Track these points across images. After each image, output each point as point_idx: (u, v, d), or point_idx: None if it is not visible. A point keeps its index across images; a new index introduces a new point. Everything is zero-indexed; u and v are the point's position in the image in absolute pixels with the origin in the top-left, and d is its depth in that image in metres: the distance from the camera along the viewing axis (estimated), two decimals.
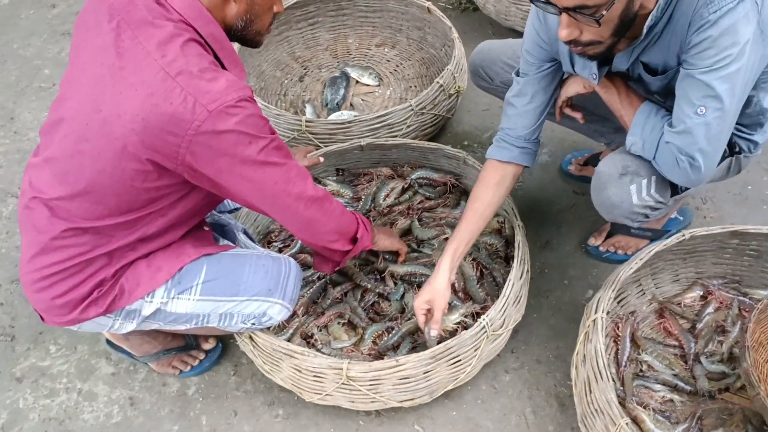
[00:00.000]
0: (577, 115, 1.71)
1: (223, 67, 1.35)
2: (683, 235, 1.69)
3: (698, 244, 1.77)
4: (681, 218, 2.02)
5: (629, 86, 1.54)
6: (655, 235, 1.99)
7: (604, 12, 1.24)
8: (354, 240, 1.60)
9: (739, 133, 1.60)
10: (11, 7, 3.01)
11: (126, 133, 1.24)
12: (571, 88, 1.64)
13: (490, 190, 1.67)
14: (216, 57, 1.34)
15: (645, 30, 1.35)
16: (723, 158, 1.62)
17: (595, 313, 1.56)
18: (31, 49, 2.81)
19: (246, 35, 1.40)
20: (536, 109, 1.65)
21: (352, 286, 1.85)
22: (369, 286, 1.82)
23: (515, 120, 1.66)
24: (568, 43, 1.34)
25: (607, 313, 1.57)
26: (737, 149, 1.63)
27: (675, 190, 1.57)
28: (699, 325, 1.75)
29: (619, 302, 1.78)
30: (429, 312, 1.61)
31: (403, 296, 1.81)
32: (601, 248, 2.00)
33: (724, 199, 2.13)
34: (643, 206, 1.54)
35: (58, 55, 2.77)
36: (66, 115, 1.35)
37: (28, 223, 1.42)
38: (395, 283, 1.83)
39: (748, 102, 1.50)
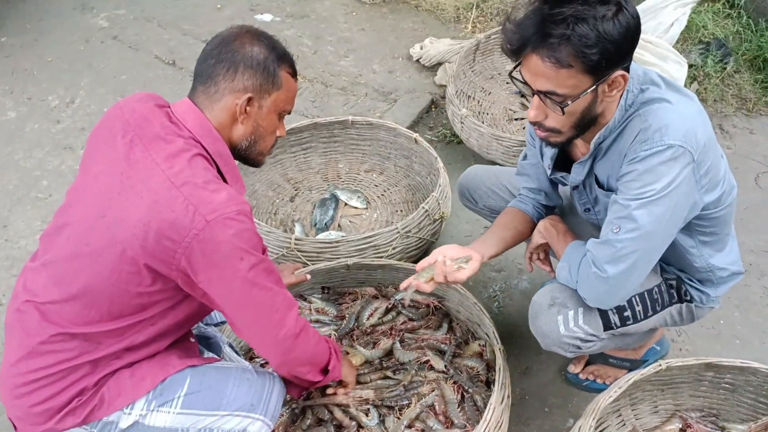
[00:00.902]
0: (546, 268, 1.84)
1: (225, 182, 1.44)
2: (660, 366, 1.73)
3: (675, 376, 1.81)
4: (658, 348, 2.07)
5: (567, 229, 1.73)
6: (633, 366, 2.03)
7: (569, 102, 1.38)
8: (325, 371, 1.60)
9: (691, 283, 1.71)
10: (18, 120, 3.15)
11: (128, 238, 1.30)
12: (534, 240, 1.80)
13: (507, 216, 1.85)
14: (219, 172, 1.43)
15: (592, 146, 1.50)
16: (671, 303, 1.72)
17: None
18: (32, 161, 2.91)
19: (249, 155, 1.51)
20: (536, 189, 1.84)
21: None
22: (344, 422, 1.79)
23: (524, 191, 1.88)
24: (534, 124, 1.48)
25: None
26: (688, 297, 1.72)
27: (608, 323, 1.64)
28: None
29: None
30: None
31: (383, 420, 1.79)
32: (580, 376, 2.03)
33: (698, 333, 2.19)
34: (572, 337, 1.62)
35: (59, 167, 2.86)
36: (70, 220, 1.41)
37: (17, 326, 1.43)
38: (367, 412, 1.81)
39: (692, 255, 1.63)
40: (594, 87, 1.37)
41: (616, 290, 1.52)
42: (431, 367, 1.89)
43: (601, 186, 1.59)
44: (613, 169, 1.51)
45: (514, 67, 1.44)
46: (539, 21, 1.32)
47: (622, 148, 1.46)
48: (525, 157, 1.85)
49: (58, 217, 1.47)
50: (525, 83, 1.41)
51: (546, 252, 1.83)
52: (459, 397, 1.82)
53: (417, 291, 2.07)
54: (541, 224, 1.78)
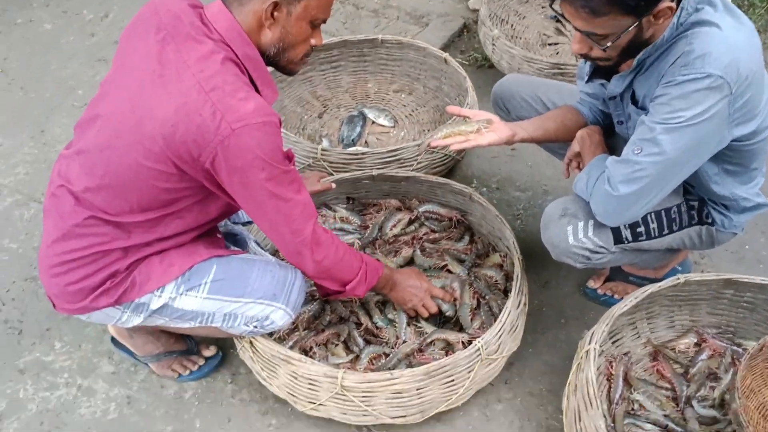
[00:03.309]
0: None
1: (256, 88, 1.44)
2: (678, 279, 1.73)
3: (693, 291, 1.82)
4: (680, 269, 2.07)
5: (601, 141, 1.72)
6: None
7: (609, 43, 1.36)
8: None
9: (714, 206, 1.69)
10: (53, 33, 3.19)
11: (155, 136, 1.33)
12: (572, 147, 1.78)
13: (560, 110, 1.83)
14: (250, 78, 1.43)
15: (636, 61, 1.47)
16: (690, 225, 1.70)
17: (589, 344, 1.60)
18: (68, 71, 2.97)
19: (279, 62, 1.48)
20: (593, 94, 1.79)
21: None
22: (362, 319, 1.84)
23: (582, 94, 1.83)
24: (581, 55, 1.47)
25: (602, 351, 1.61)
26: (710, 220, 1.70)
27: (618, 237, 1.65)
28: (692, 370, 1.78)
29: (614, 342, 1.81)
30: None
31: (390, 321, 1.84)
32: (599, 291, 2.04)
33: (722, 257, 2.18)
34: (581, 247, 1.63)
35: (93, 78, 2.91)
36: (103, 112, 1.44)
37: (53, 209, 1.49)
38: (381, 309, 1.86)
39: (714, 183, 1.60)
40: (637, 23, 1.34)
41: (624, 210, 1.52)
42: (449, 272, 1.93)
43: (635, 103, 1.57)
44: (650, 89, 1.48)
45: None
46: None
47: (662, 68, 1.43)
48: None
49: (91, 107, 1.50)
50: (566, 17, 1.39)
51: None
52: (475, 302, 1.86)
53: (440, 204, 2.13)
54: (579, 132, 1.76)
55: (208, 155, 1.33)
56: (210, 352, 1.85)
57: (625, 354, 1.81)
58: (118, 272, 1.50)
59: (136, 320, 1.57)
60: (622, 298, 2.01)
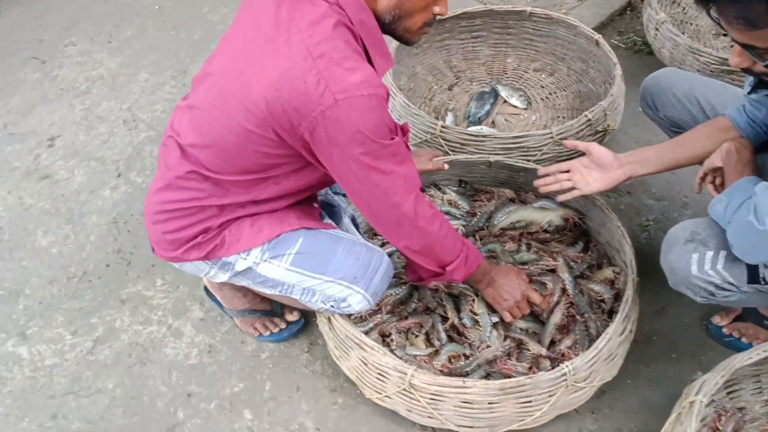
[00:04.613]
0: (716, 196, 1.57)
1: (369, 56, 1.36)
2: None
3: None
4: None
5: (751, 160, 1.47)
6: None
7: None
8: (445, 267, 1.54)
9: None
10: None
11: (259, 99, 1.30)
12: (711, 160, 1.55)
13: (708, 128, 1.62)
14: (363, 45, 1.36)
15: None
16: None
17: (695, 395, 1.40)
18: (218, 16, 3.06)
19: (394, 31, 1.40)
20: (755, 102, 1.56)
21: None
22: (449, 315, 1.74)
23: (745, 99, 1.59)
24: (742, 69, 1.26)
25: (712, 401, 1.40)
26: None
27: (754, 276, 1.40)
28: None
29: (728, 393, 1.58)
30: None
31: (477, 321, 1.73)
32: (724, 330, 1.79)
33: None
34: (704, 280, 1.42)
35: None
36: (214, 71, 1.44)
37: (163, 158, 1.54)
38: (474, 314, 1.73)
39: None
40: None
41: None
42: (553, 272, 1.78)
43: None
44: None
45: None
46: None
47: None
48: None
49: (207, 63, 1.51)
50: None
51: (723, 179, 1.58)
52: (569, 319, 1.70)
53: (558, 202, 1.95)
54: (726, 145, 1.52)
55: (308, 125, 1.28)
56: (293, 317, 1.86)
57: (740, 409, 1.57)
58: (210, 229, 1.52)
59: (223, 277, 1.59)
60: (750, 343, 1.76)
